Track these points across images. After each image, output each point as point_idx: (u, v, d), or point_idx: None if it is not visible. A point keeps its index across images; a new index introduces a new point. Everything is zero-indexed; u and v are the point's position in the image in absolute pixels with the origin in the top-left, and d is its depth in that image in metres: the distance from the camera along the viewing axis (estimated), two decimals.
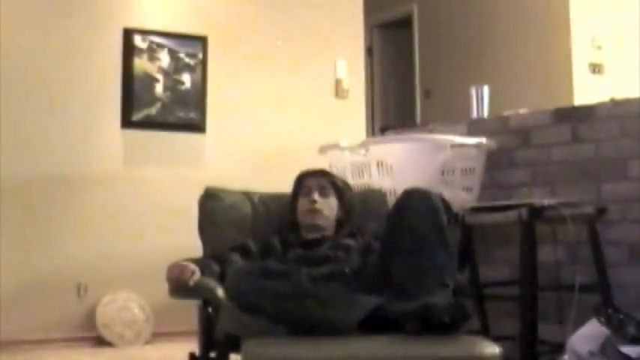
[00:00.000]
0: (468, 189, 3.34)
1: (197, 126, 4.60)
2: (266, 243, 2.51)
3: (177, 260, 2.32)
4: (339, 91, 5.07)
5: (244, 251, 2.45)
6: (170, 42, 4.54)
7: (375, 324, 1.95)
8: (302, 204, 2.61)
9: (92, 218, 4.31)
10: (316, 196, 2.60)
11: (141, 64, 4.46)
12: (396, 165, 3.21)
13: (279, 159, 4.64)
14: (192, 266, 2.25)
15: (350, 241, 2.48)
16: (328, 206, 2.61)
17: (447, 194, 3.21)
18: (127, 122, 4.43)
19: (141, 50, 4.46)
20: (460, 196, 3.30)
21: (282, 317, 1.99)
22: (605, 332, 2.47)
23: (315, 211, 2.58)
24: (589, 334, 2.52)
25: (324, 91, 5.02)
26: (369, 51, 7.39)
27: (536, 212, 2.91)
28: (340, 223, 2.63)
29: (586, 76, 5.68)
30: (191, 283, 2.20)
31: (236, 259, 2.39)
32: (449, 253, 2.13)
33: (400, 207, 2.22)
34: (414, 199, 2.21)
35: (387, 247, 2.20)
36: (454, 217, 2.25)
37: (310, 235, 2.56)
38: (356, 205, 2.71)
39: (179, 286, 2.23)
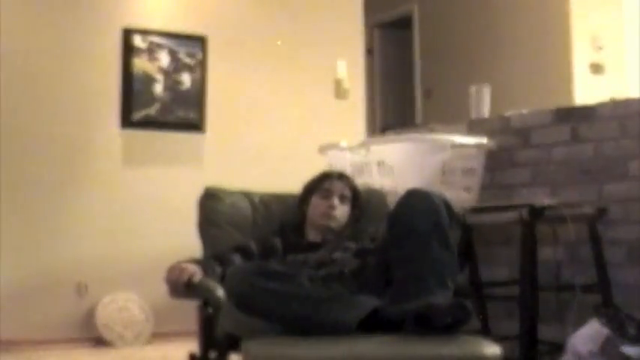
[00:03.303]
0: (468, 189, 3.34)
1: (197, 126, 4.60)
2: (267, 243, 2.50)
3: (178, 261, 2.31)
4: (339, 91, 5.07)
5: (245, 252, 2.45)
6: (170, 42, 4.54)
7: (375, 324, 1.95)
8: (318, 204, 2.61)
9: (92, 218, 4.31)
10: (336, 201, 2.60)
11: (140, 63, 4.46)
12: (396, 165, 3.21)
13: (279, 159, 4.65)
14: (192, 268, 2.23)
15: (350, 244, 2.48)
16: (343, 213, 2.62)
17: (447, 194, 3.21)
18: (126, 122, 4.43)
19: (140, 50, 4.46)
20: (460, 196, 3.29)
21: (281, 318, 1.99)
22: (605, 332, 2.47)
23: (332, 217, 2.58)
24: (589, 334, 2.52)
25: (324, 91, 5.02)
26: (369, 51, 7.39)
27: (536, 212, 2.90)
28: (345, 228, 2.63)
29: (586, 76, 5.68)
30: (196, 280, 2.19)
31: (237, 259, 2.39)
32: (450, 253, 2.13)
33: (401, 207, 2.22)
34: (415, 200, 2.20)
35: (388, 247, 2.20)
36: (456, 217, 2.24)
37: (314, 237, 2.56)
38: (366, 214, 2.71)
39: (177, 288, 2.22)
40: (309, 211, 2.62)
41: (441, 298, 2.00)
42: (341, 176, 2.71)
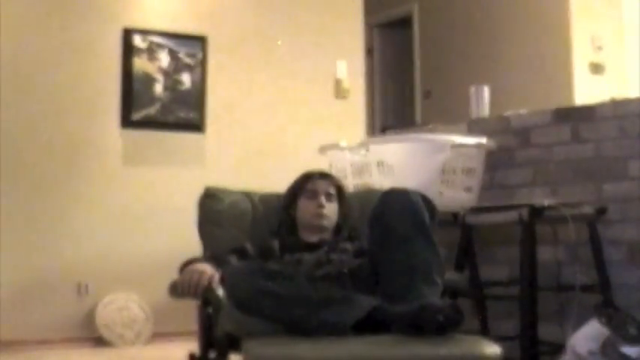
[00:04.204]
0: (468, 189, 3.34)
1: (197, 126, 4.60)
2: (264, 246, 2.50)
3: (187, 260, 2.30)
4: (339, 91, 5.07)
5: (241, 253, 2.44)
6: (170, 42, 4.54)
7: (373, 325, 1.95)
8: (306, 206, 2.60)
9: (92, 218, 4.31)
10: (324, 200, 2.60)
11: (141, 64, 4.46)
12: (396, 165, 3.21)
13: (279, 159, 4.65)
14: (210, 270, 2.21)
15: (347, 244, 2.48)
16: (332, 211, 2.61)
17: (447, 194, 3.23)
18: (126, 122, 4.43)
19: (141, 50, 4.46)
20: (460, 196, 3.30)
21: (280, 318, 1.99)
22: (605, 332, 2.47)
23: (323, 216, 2.58)
24: (589, 334, 2.52)
25: (324, 91, 5.02)
26: (369, 51, 7.39)
27: (536, 212, 2.90)
28: (338, 226, 2.63)
29: (586, 76, 5.68)
30: (216, 281, 2.17)
31: (233, 261, 2.38)
32: (434, 250, 2.12)
33: (380, 208, 2.22)
34: (393, 200, 2.20)
35: (373, 250, 2.21)
36: (436, 212, 2.23)
37: (310, 238, 2.56)
38: (353, 209, 2.71)
39: (197, 292, 2.16)
40: (298, 214, 2.61)
41: (431, 296, 2.00)
42: (323, 175, 2.70)
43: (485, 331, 3.18)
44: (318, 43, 5.01)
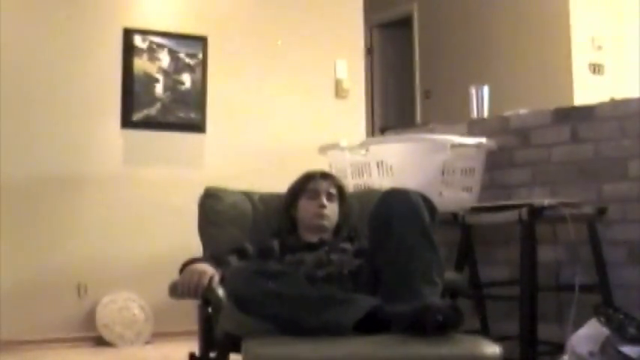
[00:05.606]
0: (468, 189, 3.35)
1: (197, 126, 4.60)
2: (263, 246, 2.50)
3: (187, 261, 2.30)
4: (339, 91, 5.07)
5: (241, 253, 2.45)
6: (170, 42, 4.54)
7: (373, 325, 1.95)
8: (307, 206, 2.60)
9: (92, 218, 4.31)
10: (325, 200, 2.60)
11: (141, 64, 4.46)
12: (396, 165, 3.21)
13: (279, 159, 4.64)
14: (211, 270, 2.21)
15: (347, 245, 2.48)
16: (333, 211, 2.62)
17: (447, 194, 3.23)
18: (126, 122, 4.43)
19: (141, 50, 4.46)
20: (460, 196, 3.30)
21: (280, 318, 1.99)
22: (605, 332, 2.47)
23: (324, 216, 2.58)
24: (589, 334, 2.52)
25: (324, 91, 5.02)
26: (369, 51, 7.39)
27: (536, 212, 2.91)
28: (338, 226, 2.63)
29: (586, 76, 5.68)
30: (216, 281, 2.17)
31: (233, 261, 2.38)
32: (434, 250, 2.13)
33: (380, 209, 2.22)
34: (392, 201, 2.21)
35: (373, 251, 2.21)
36: (436, 211, 2.23)
37: (310, 238, 2.56)
38: (353, 209, 2.71)
39: (197, 292, 2.17)
40: (299, 215, 2.61)
41: (431, 297, 2.00)
42: (324, 175, 2.70)
43: (485, 331, 3.18)
44: (318, 43, 5.01)
